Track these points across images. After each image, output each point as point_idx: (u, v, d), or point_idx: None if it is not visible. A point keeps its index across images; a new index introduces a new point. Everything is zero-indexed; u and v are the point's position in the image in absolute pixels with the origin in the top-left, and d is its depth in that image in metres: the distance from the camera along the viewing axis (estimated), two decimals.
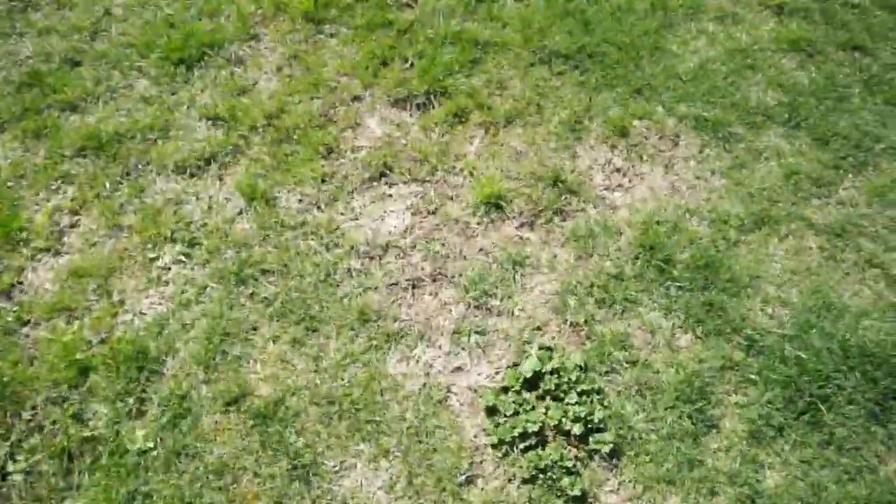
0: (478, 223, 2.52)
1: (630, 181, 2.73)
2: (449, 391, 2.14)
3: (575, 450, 2.06)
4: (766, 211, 2.66)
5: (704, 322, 2.35)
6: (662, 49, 3.18)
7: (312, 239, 2.42)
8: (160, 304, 2.26)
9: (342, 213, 2.50)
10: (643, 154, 2.80)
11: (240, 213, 2.48)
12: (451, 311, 2.31)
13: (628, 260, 2.47)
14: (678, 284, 2.42)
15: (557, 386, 2.12)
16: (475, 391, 2.15)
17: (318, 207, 2.51)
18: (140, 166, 2.58)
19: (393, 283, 2.34)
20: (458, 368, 2.19)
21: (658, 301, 2.39)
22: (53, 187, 2.51)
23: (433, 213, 2.53)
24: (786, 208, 2.68)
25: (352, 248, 2.41)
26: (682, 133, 2.88)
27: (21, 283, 2.30)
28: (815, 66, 3.24)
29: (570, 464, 2.01)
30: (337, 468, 1.99)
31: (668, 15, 3.36)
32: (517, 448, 2.04)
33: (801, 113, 3.00)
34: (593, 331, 2.30)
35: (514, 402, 2.09)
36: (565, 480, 1.96)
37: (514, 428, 2.04)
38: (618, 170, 2.75)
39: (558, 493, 1.96)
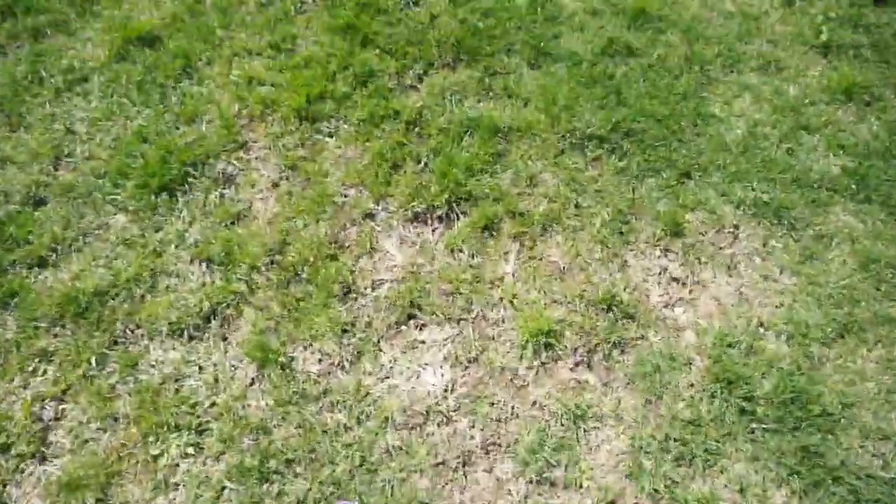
0: (528, 368, 2.26)
1: (691, 292, 2.46)
2: None
3: None
4: (849, 314, 2.41)
5: (800, 472, 2.11)
6: (705, 115, 2.90)
7: (340, 411, 2.15)
8: None
9: (370, 373, 2.22)
10: (701, 255, 2.53)
11: (252, 383, 2.20)
12: (510, 491, 2.05)
13: (703, 398, 2.22)
14: (764, 426, 2.18)
15: None
16: None
17: (342, 368, 2.23)
18: (129, 331, 2.29)
19: (440, 463, 2.07)
20: None
21: (743, 448, 2.14)
22: (30, 368, 2.22)
23: (475, 360, 2.26)
24: (869, 308, 2.44)
25: (387, 419, 2.14)
26: (741, 223, 2.61)
27: (5, 503, 2.01)
28: (876, 117, 2.98)
29: None
30: None
31: (705, 70, 3.08)
32: None
33: (869, 181, 2.74)
34: (675, 497, 2.05)
35: None
36: None
37: None
38: (675, 279, 2.48)
39: None
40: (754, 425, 2.19)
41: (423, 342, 2.32)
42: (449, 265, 2.48)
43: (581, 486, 2.09)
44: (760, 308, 2.45)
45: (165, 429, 2.12)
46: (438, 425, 2.17)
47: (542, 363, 2.29)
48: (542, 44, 3.06)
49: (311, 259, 2.44)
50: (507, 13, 3.16)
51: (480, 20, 3.12)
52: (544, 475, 2.09)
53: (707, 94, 3.02)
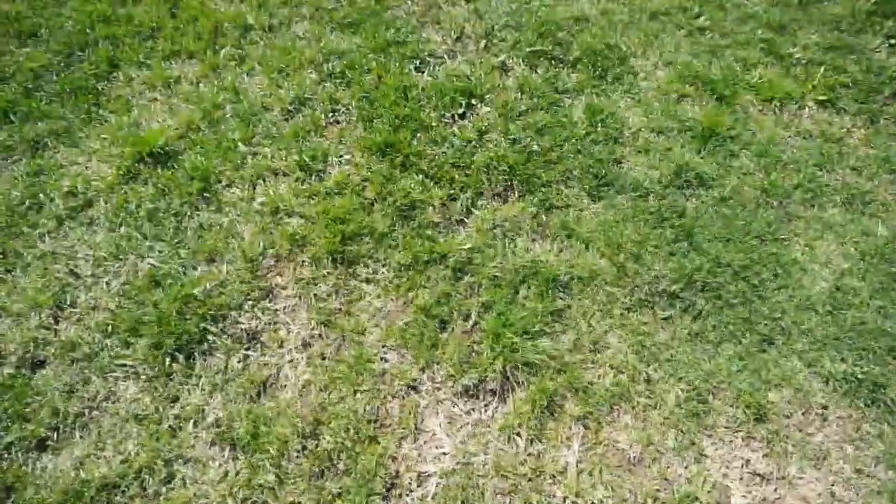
0: None
1: (776, 491, 2.34)
2: None
3: None
4: None
5: None
6: (786, 262, 2.78)
7: None
8: None
9: None
10: (788, 445, 2.41)
11: None
12: None
13: None
14: None
15: None
16: None
17: None
18: None
19: None
20: None
21: None
22: None
23: None
24: None
25: None
26: (830, 404, 2.49)
27: None
28: None
29: None
30: None
31: (784, 203, 2.96)
32: None
33: None
34: None
35: None
36: None
37: None
38: (759, 475, 2.36)
39: None
40: None
41: None
42: (504, 453, 2.34)
43: None
44: None
45: None
46: None
47: None
48: (603, 171, 2.94)
49: (349, 444, 2.30)
50: (564, 130, 3.03)
51: (534, 139, 2.99)
52: None
53: (787, 235, 2.89)
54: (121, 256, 2.64)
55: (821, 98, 3.32)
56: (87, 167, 2.89)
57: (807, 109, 3.30)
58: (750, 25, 3.51)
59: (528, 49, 3.27)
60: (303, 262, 2.68)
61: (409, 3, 3.44)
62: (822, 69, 3.38)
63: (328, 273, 2.66)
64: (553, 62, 3.29)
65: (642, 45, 3.41)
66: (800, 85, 3.35)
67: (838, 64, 3.43)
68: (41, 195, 2.77)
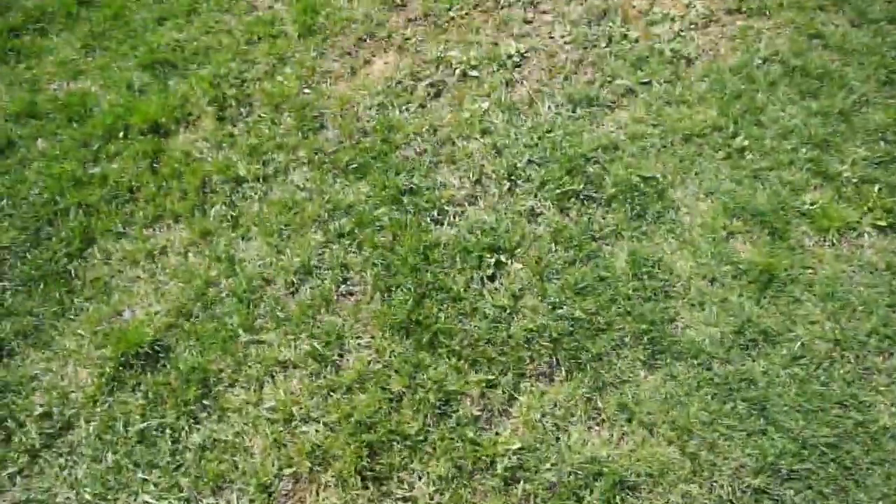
0: None
1: None
2: None
3: None
4: None
5: None
6: (874, 431, 2.46)
7: None
8: None
9: None
10: None
11: None
12: None
13: None
14: None
15: None
16: None
17: None
18: None
19: None
20: None
21: None
22: None
23: None
24: None
25: None
26: None
27: None
28: None
29: None
30: None
31: (860, 356, 2.63)
32: None
33: None
34: None
35: None
36: None
37: None
38: None
39: None
40: None
41: None
42: None
43: None
44: None
45: None
46: None
47: None
48: (656, 334, 2.59)
49: None
50: (608, 288, 2.70)
51: (576, 301, 2.62)
52: None
53: (870, 397, 2.56)
54: (108, 496, 2.23)
55: (879, 223, 3.01)
56: (62, 376, 2.48)
57: (866, 237, 2.99)
58: (791, 142, 3.22)
59: (557, 190, 2.93)
60: (326, 483, 2.28)
61: (419, 140, 3.10)
62: (877, 188, 3.09)
63: (357, 495, 2.26)
64: (585, 202, 2.96)
65: (679, 173, 3.09)
66: (855, 209, 3.05)
67: (892, 181, 3.14)
68: (9, 421, 2.34)
